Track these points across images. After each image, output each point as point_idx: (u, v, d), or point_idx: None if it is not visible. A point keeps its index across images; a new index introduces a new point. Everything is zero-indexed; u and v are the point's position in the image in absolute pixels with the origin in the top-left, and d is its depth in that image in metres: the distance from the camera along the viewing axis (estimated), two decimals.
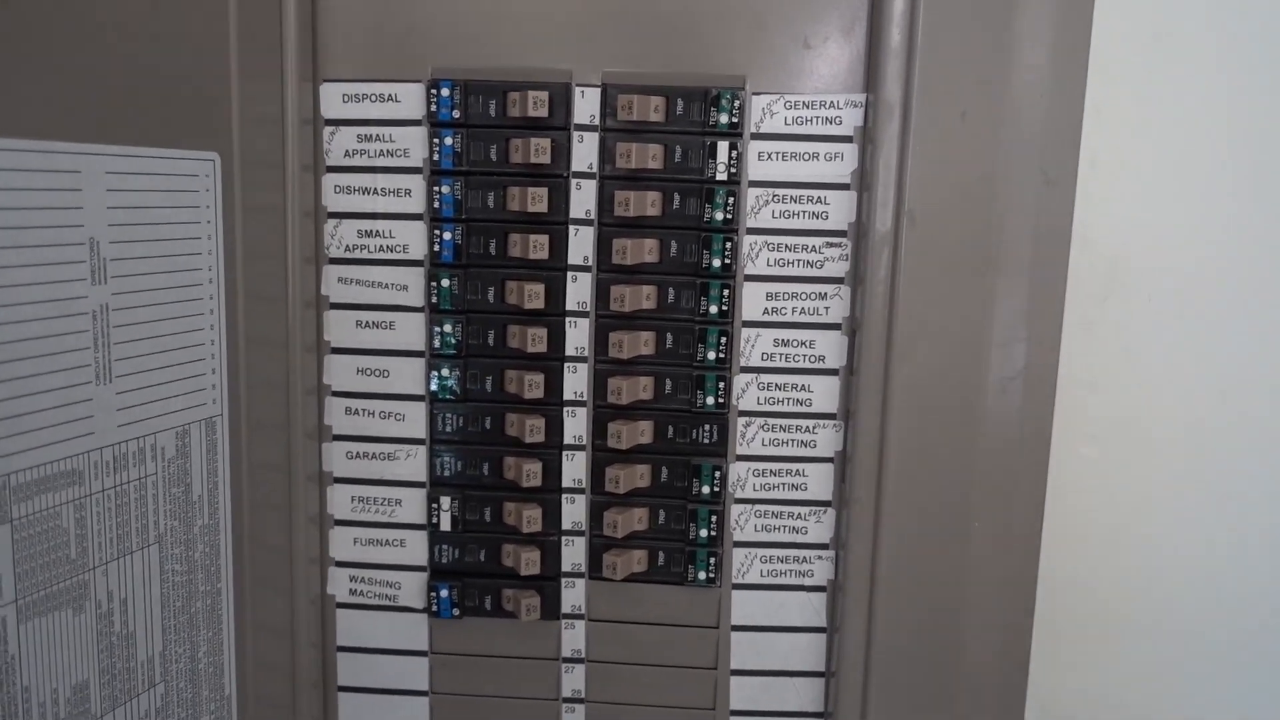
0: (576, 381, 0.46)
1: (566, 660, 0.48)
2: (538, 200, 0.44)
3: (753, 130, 0.44)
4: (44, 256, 0.33)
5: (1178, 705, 0.47)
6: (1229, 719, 0.47)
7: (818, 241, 0.45)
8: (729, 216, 0.45)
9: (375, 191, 0.46)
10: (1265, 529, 0.46)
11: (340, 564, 0.48)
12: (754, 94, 0.44)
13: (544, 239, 0.45)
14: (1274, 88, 0.44)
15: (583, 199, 0.45)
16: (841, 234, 0.45)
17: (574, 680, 0.48)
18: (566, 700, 0.49)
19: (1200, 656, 0.47)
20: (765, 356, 0.46)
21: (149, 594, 0.39)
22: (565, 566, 0.48)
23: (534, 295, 0.45)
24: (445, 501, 0.47)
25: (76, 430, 0.35)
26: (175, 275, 0.39)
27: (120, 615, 0.38)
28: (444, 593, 0.47)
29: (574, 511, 0.47)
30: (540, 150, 0.44)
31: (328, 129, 0.46)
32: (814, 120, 0.44)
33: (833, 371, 0.46)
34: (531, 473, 0.46)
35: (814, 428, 0.46)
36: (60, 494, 0.35)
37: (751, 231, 0.45)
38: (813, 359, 0.46)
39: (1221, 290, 0.45)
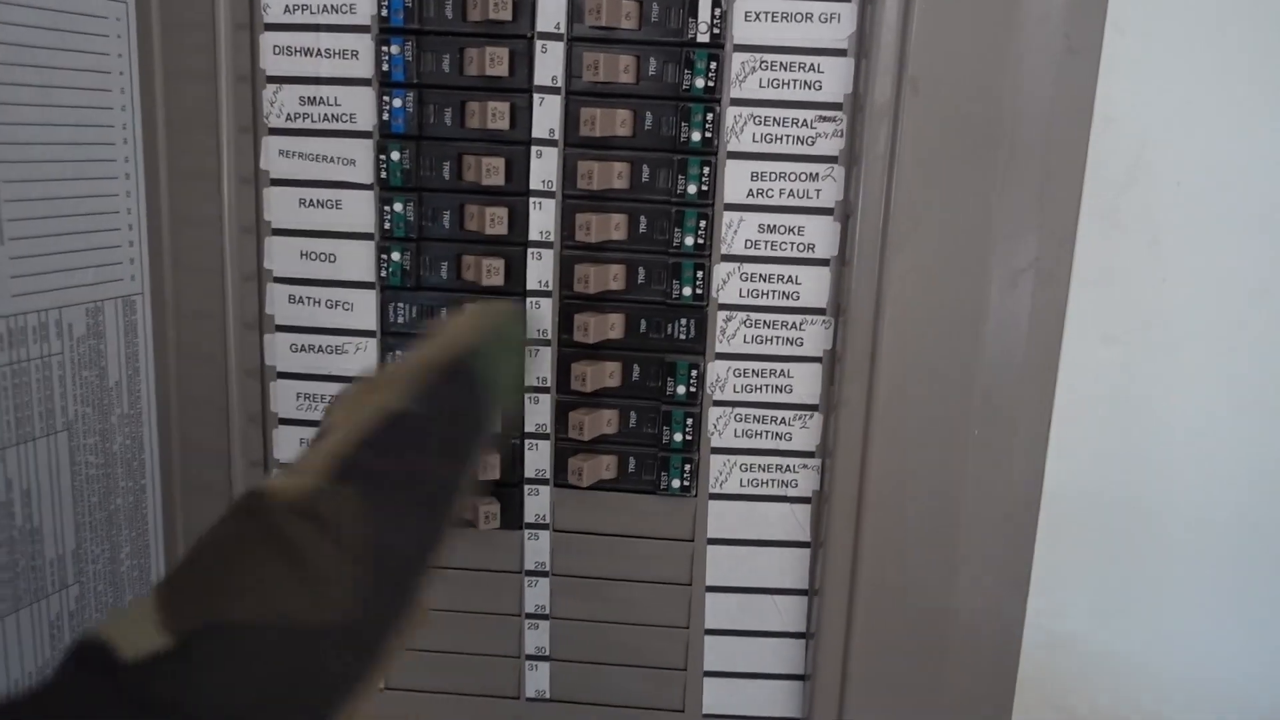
0: (540, 269, 0.42)
1: (529, 573, 0.45)
2: (498, 63, 0.40)
3: None
4: None
5: (1190, 620, 0.44)
6: (1241, 632, 0.44)
7: (809, 115, 0.41)
8: (711, 85, 0.40)
9: (318, 53, 0.41)
10: None
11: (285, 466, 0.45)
12: None
13: (505, 108, 0.40)
14: None
15: (548, 63, 0.41)
16: (836, 106, 0.41)
17: (537, 595, 0.45)
18: (529, 616, 0.45)
19: (1218, 571, 0.44)
20: (749, 244, 0.42)
21: (57, 486, 0.35)
22: (528, 472, 0.44)
23: (493, 170, 0.41)
24: None
25: None
26: (80, 130, 0.35)
27: (21, 506, 0.34)
28: None
29: (537, 412, 0.44)
30: (500, 5, 0.39)
31: None
32: None
33: (823, 261, 0.42)
34: None
35: (801, 324, 0.42)
36: None
37: (736, 103, 0.41)
38: (801, 247, 0.42)
39: (1257, 177, 0.40)
